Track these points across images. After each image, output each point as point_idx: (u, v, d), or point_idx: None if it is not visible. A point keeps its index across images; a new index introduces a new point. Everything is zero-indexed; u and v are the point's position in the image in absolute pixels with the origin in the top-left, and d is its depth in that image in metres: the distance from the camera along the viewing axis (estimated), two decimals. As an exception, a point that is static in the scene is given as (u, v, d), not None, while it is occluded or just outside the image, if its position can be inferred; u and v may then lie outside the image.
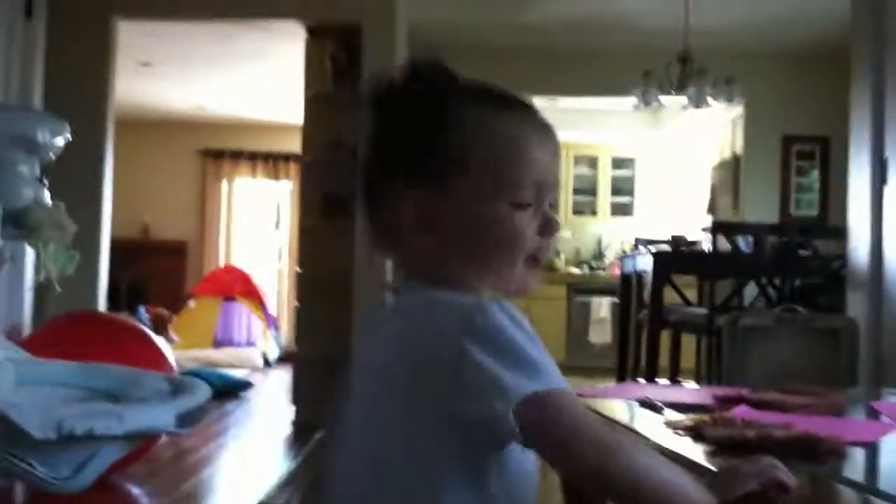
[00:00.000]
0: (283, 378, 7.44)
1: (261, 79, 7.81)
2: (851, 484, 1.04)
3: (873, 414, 1.66)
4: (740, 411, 1.42)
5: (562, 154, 1.09)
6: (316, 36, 5.62)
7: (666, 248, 5.79)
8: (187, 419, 2.46)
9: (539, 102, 5.33)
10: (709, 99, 5.66)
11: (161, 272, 9.47)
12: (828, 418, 1.48)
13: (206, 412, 2.64)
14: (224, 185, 9.87)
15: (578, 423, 0.89)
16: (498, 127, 1.02)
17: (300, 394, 5.60)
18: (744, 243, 5.86)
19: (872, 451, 1.26)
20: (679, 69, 5.57)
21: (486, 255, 1.00)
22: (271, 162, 9.83)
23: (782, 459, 0.98)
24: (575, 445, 0.88)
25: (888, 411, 1.62)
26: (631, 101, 5.61)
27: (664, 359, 5.30)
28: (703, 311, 4.95)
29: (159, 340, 3.91)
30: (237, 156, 9.83)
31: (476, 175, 1.00)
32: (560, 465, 0.92)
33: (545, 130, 1.05)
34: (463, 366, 0.90)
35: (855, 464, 1.19)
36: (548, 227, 1.02)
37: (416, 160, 1.02)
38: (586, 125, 8.17)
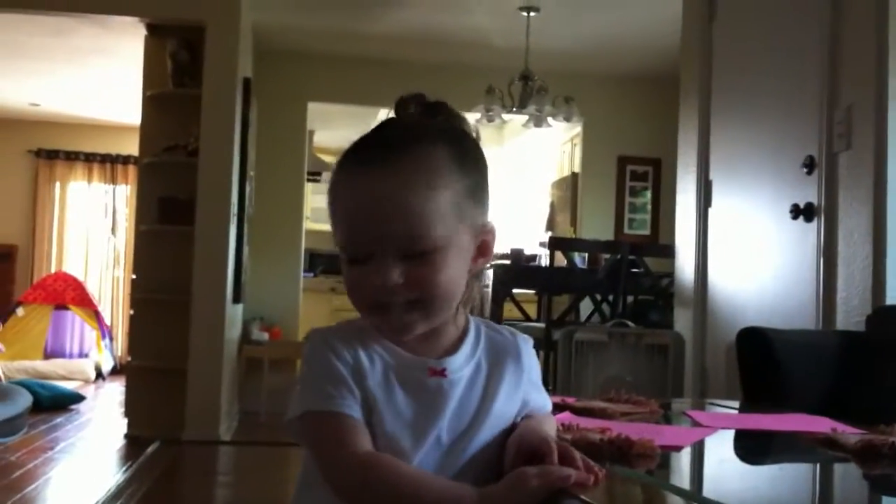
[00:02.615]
0: (117, 390, 7.20)
1: (98, 76, 7.53)
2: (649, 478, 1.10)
3: (689, 421, 1.75)
4: (563, 418, 1.47)
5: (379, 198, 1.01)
6: (156, 33, 5.48)
7: (506, 262, 5.91)
8: (6, 428, 2.34)
9: (385, 114, 5.31)
10: (548, 119, 5.82)
11: (-14, 278, 9.01)
12: (645, 425, 1.55)
13: (26, 420, 2.52)
14: (57, 187, 9.47)
15: (327, 450, 1.03)
16: (332, 186, 1.07)
17: (134, 406, 5.43)
18: (579, 260, 6.06)
19: (690, 454, 1.33)
20: (520, 87, 5.71)
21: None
22: (108, 164, 9.50)
23: (598, 461, 1.02)
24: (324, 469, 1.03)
25: (702, 419, 1.71)
26: (474, 116, 5.71)
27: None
28: (541, 325, 5.07)
29: (-20, 349, 3.71)
30: (72, 157, 9.45)
31: (333, 232, 1.07)
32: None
33: (366, 181, 1.02)
34: None
35: (669, 466, 1.25)
36: (370, 285, 1.02)
37: None
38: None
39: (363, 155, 1.04)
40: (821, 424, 1.55)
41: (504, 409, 1.09)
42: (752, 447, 1.57)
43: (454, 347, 1.09)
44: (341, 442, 1.01)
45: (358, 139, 1.07)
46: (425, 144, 1.03)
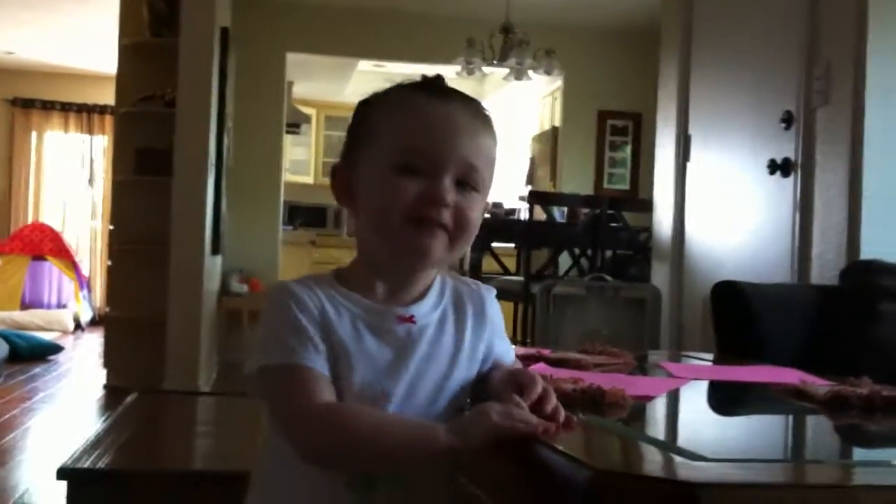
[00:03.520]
0: (95, 341, 7.19)
1: (75, 25, 7.43)
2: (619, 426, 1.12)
3: (663, 372, 1.77)
4: (537, 368, 1.48)
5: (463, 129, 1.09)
6: (133, -19, 5.40)
7: (486, 216, 5.90)
8: (-17, 378, 2.34)
9: (365, 66, 5.26)
10: (529, 72, 5.79)
11: (-38, 228, 8.94)
12: (618, 375, 1.57)
13: (3, 370, 2.52)
14: (34, 136, 9.36)
15: (288, 403, 1.03)
16: (400, 102, 1.10)
17: (113, 357, 5.43)
18: (559, 214, 6.07)
19: (657, 404, 1.35)
20: (501, 40, 5.67)
21: (374, 216, 1.09)
22: (85, 114, 9.39)
23: (570, 410, 1.04)
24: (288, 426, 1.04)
25: (675, 370, 1.73)
26: (455, 68, 5.67)
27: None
28: (519, 279, 5.09)
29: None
30: (48, 106, 9.34)
31: (374, 144, 1.10)
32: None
33: (451, 108, 1.09)
34: None
35: (644, 417, 1.27)
36: (426, 194, 1.06)
37: (346, 139, 1.16)
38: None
39: (438, 88, 1.12)
40: (790, 376, 1.58)
41: (473, 353, 1.13)
42: (722, 398, 1.59)
43: (421, 296, 1.13)
44: (302, 394, 1.02)
45: (420, 79, 1.14)
46: (483, 107, 1.15)
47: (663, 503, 0.80)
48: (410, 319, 1.10)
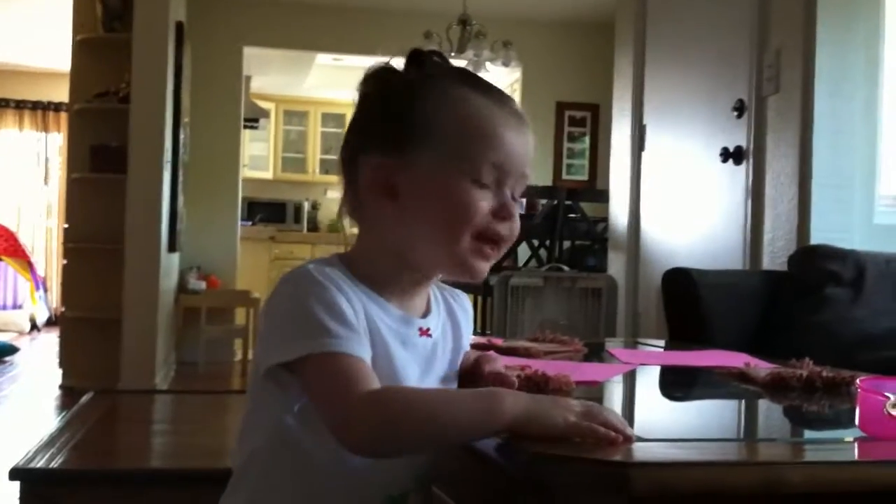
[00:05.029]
0: (52, 341, 7.11)
1: (28, 21, 7.31)
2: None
3: (612, 359, 1.79)
4: (486, 357, 1.49)
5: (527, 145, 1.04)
6: (84, -25, 5.34)
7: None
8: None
9: (323, 60, 5.25)
10: (487, 64, 5.80)
11: (-85, 229, 8.77)
12: (566, 362, 1.58)
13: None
14: (-13, 135, 9.22)
15: (335, 394, 0.93)
16: (468, 104, 1.03)
17: (69, 357, 5.37)
18: (518, 205, 6.08)
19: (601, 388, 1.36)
20: (458, 32, 5.68)
21: (435, 225, 1.01)
22: (39, 112, 9.26)
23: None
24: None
25: (624, 356, 1.75)
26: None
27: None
28: (478, 269, 5.10)
29: None
30: (2, 104, 9.19)
31: (438, 146, 1.01)
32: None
33: (517, 120, 1.04)
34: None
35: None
36: (501, 210, 1.01)
37: (384, 126, 1.04)
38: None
39: (491, 87, 1.06)
40: (736, 360, 1.60)
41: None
42: (667, 382, 1.62)
43: (428, 308, 1.10)
44: (351, 383, 0.92)
45: (495, 89, 1.07)
46: None
47: (598, 483, 0.81)
48: (427, 332, 1.06)
